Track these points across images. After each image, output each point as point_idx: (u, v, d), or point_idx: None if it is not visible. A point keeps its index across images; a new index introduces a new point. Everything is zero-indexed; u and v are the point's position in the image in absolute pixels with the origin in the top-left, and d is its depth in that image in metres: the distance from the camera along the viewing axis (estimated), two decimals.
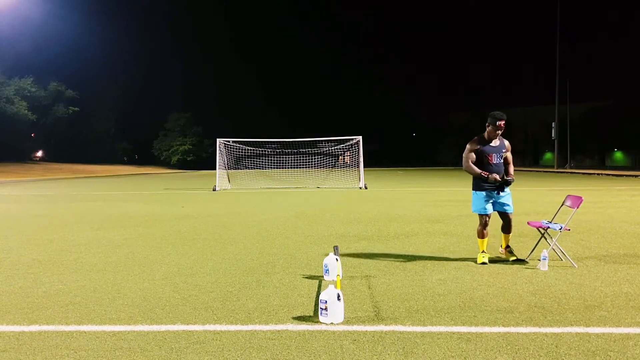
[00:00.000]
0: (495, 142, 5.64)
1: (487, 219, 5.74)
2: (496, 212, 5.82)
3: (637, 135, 53.94)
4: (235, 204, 14.26)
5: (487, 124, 5.61)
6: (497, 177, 5.51)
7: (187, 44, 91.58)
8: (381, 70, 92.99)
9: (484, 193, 5.68)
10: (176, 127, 73.58)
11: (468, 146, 5.71)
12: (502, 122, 5.52)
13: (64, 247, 7.16)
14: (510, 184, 5.62)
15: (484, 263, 5.61)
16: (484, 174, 5.56)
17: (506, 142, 5.73)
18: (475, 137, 5.72)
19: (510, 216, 5.83)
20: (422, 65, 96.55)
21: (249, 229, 8.92)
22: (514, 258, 5.76)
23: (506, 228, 5.87)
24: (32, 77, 55.80)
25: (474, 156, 5.66)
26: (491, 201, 5.71)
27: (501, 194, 5.65)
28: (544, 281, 4.89)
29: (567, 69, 50.82)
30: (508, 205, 5.75)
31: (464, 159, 5.74)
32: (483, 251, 5.76)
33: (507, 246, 5.93)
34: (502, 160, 5.67)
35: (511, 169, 5.78)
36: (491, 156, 5.60)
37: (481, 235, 5.78)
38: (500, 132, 5.56)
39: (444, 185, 23.59)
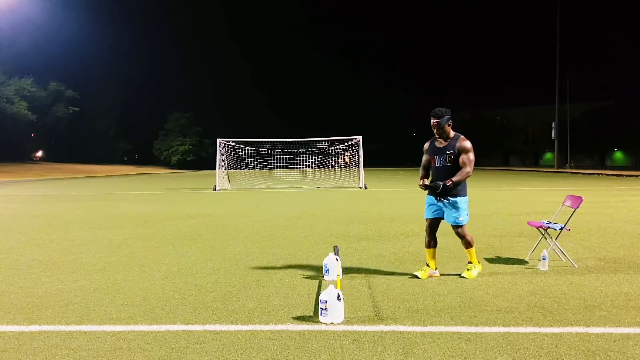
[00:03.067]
0: (442, 143, 4.90)
1: (426, 225, 5.10)
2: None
3: (637, 135, 53.94)
4: (235, 204, 14.26)
5: None
6: (422, 182, 4.94)
7: (187, 44, 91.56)
8: (381, 70, 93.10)
9: (428, 198, 5.08)
10: (176, 127, 73.66)
11: (424, 146, 5.17)
12: (433, 120, 4.81)
13: (64, 247, 7.16)
14: (437, 190, 4.78)
15: (414, 276, 4.99)
16: (420, 179, 5.08)
17: (461, 143, 4.81)
18: (433, 137, 5.08)
19: (459, 230, 4.94)
20: (422, 65, 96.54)
21: (249, 229, 8.92)
22: (464, 274, 5.01)
23: (462, 243, 5.06)
24: (32, 77, 55.87)
25: (425, 157, 5.11)
26: (434, 207, 5.00)
27: (442, 201, 4.91)
28: (544, 281, 4.89)
29: (567, 69, 50.82)
30: (452, 215, 4.89)
31: None
32: (426, 264, 5.12)
33: (469, 262, 5.11)
34: (448, 164, 4.83)
35: (458, 174, 4.76)
36: (434, 159, 4.95)
37: (425, 243, 5.12)
38: (436, 131, 4.85)
39: None
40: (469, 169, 4.76)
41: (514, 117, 76.06)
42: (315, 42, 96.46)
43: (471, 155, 4.81)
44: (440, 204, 4.93)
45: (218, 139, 23.87)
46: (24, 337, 3.49)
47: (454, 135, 4.89)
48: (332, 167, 27.60)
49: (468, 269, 5.04)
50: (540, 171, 45.15)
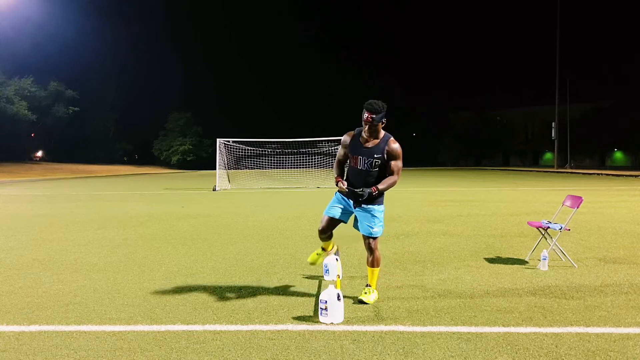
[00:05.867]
0: (371, 143, 4.16)
1: (325, 223, 4.37)
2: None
3: (637, 135, 53.94)
4: (235, 204, 14.26)
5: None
6: (343, 187, 4.16)
7: (187, 44, 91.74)
8: (381, 70, 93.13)
9: (340, 196, 4.36)
10: (176, 127, 73.61)
11: (342, 138, 4.37)
12: (369, 116, 4.00)
13: (64, 247, 7.16)
14: (362, 198, 4.11)
15: (312, 263, 4.65)
16: (336, 178, 4.29)
17: (392, 147, 4.15)
18: (356, 129, 4.30)
19: (371, 243, 4.24)
20: (422, 65, 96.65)
21: (249, 229, 8.91)
22: (362, 299, 4.22)
23: (369, 258, 4.32)
24: (32, 77, 55.83)
25: (342, 152, 4.35)
26: (343, 207, 4.34)
27: (359, 208, 4.26)
28: (544, 281, 4.89)
29: (567, 69, 50.88)
30: (367, 225, 4.23)
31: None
32: (322, 248, 4.63)
33: (368, 285, 4.36)
34: (374, 169, 4.17)
35: (385, 182, 4.17)
36: (356, 159, 4.19)
37: (320, 237, 4.54)
38: (368, 128, 4.07)
39: (444, 185, 23.59)
40: (396, 177, 4.21)
41: (514, 117, 76.07)
42: (316, 42, 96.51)
43: (400, 162, 4.24)
44: (356, 210, 4.29)
45: (218, 139, 23.87)
46: (24, 337, 3.49)
47: (384, 135, 4.18)
48: (332, 167, 27.57)
49: (366, 292, 4.28)
50: (540, 171, 45.14)
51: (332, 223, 4.38)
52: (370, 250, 4.29)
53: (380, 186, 4.14)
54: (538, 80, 70.82)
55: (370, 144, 4.16)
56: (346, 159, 4.38)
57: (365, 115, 4.02)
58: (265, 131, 38.23)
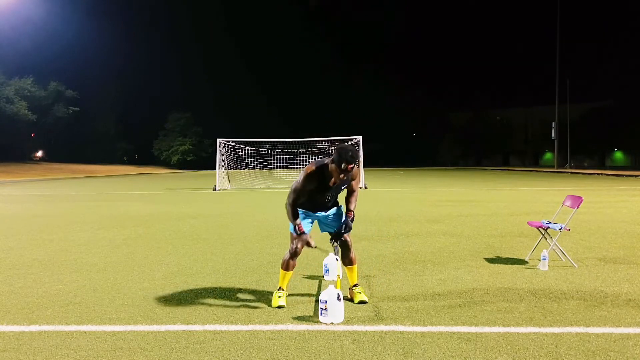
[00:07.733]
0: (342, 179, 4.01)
1: (300, 244, 4.18)
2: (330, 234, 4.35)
3: (637, 135, 53.96)
4: (235, 204, 14.26)
5: (331, 160, 3.96)
6: (312, 243, 4.10)
7: (187, 44, 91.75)
8: (381, 70, 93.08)
9: (307, 213, 4.26)
10: (176, 127, 73.70)
11: (303, 179, 4.02)
12: (348, 166, 3.85)
13: (64, 247, 7.16)
14: (349, 230, 4.20)
15: (280, 306, 4.08)
16: (299, 227, 4.06)
17: (354, 173, 4.13)
18: (315, 169, 4.01)
19: (349, 238, 4.28)
20: (422, 65, 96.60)
21: (249, 229, 8.91)
22: (362, 300, 4.22)
23: (346, 257, 4.31)
24: (32, 77, 55.84)
25: (301, 189, 4.06)
26: (310, 220, 4.29)
27: (328, 213, 4.26)
28: (544, 281, 4.89)
29: (567, 69, 50.88)
30: (343, 222, 4.23)
31: (290, 192, 4.09)
32: (280, 288, 4.23)
33: (355, 284, 4.37)
34: (337, 192, 4.24)
35: (354, 202, 4.24)
36: (325, 194, 4.14)
37: (285, 265, 4.20)
38: (344, 177, 3.93)
39: (444, 185, 23.59)
40: (357, 192, 4.33)
41: (514, 117, 76.15)
42: (316, 42, 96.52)
43: (358, 180, 4.38)
44: (321, 215, 4.29)
45: (218, 139, 23.89)
46: (24, 337, 3.49)
47: None
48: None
49: (360, 292, 4.30)
50: (540, 171, 45.13)
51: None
52: (349, 246, 4.31)
53: (353, 208, 4.25)
54: (538, 80, 70.84)
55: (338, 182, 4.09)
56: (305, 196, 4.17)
57: (345, 166, 3.85)
58: (265, 131, 38.24)
